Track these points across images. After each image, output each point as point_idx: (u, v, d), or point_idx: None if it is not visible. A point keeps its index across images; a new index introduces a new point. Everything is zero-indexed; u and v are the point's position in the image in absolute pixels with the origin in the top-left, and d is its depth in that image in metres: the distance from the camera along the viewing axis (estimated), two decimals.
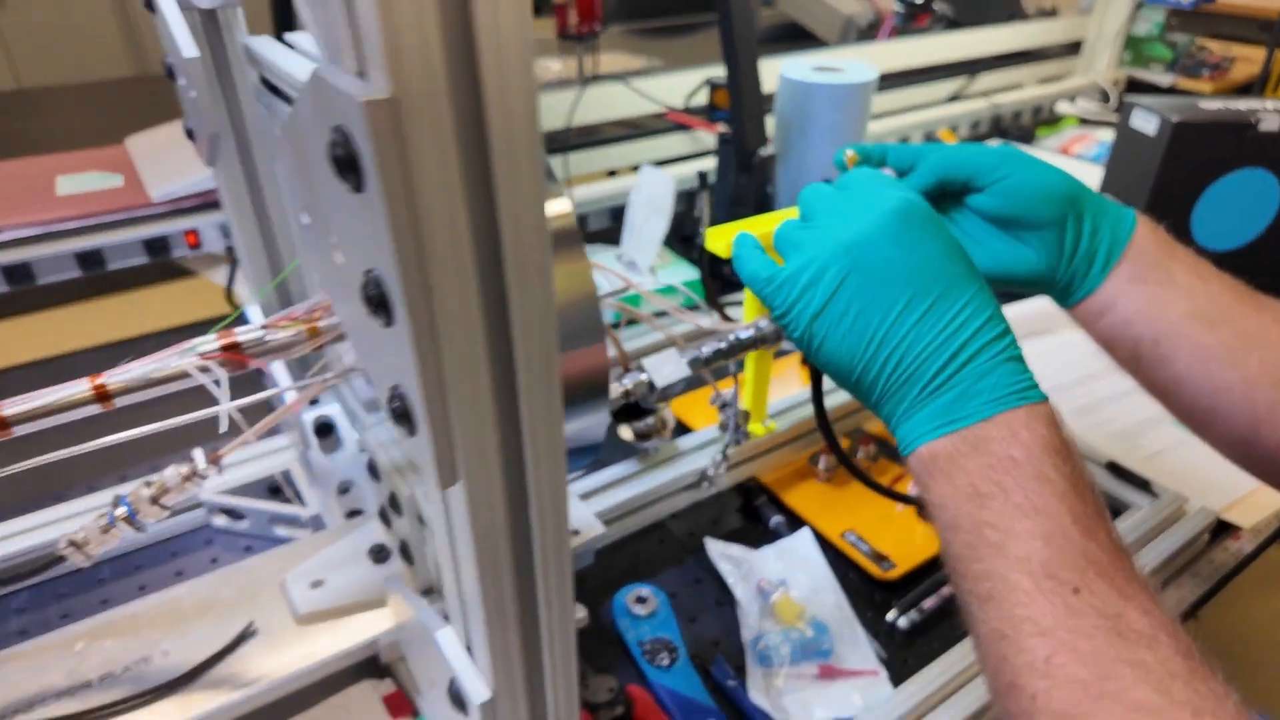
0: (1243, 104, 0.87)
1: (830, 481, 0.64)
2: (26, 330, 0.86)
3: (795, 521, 0.60)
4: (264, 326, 0.37)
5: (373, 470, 0.45)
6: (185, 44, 0.37)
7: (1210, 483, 0.62)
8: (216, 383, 0.33)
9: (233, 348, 0.36)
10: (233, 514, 0.60)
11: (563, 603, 0.27)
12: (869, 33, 1.70)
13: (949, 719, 0.46)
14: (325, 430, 0.52)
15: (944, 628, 0.53)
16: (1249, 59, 1.85)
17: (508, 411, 0.22)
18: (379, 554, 0.46)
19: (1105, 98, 1.64)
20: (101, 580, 0.56)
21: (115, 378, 0.34)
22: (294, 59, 0.36)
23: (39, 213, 0.88)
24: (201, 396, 0.33)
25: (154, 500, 0.38)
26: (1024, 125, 1.56)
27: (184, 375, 0.35)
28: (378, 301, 0.20)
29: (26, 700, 0.39)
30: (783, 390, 0.69)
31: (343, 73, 0.18)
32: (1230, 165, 0.87)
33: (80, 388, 0.34)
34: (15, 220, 0.86)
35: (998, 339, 0.34)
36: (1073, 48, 1.77)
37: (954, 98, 1.52)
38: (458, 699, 0.29)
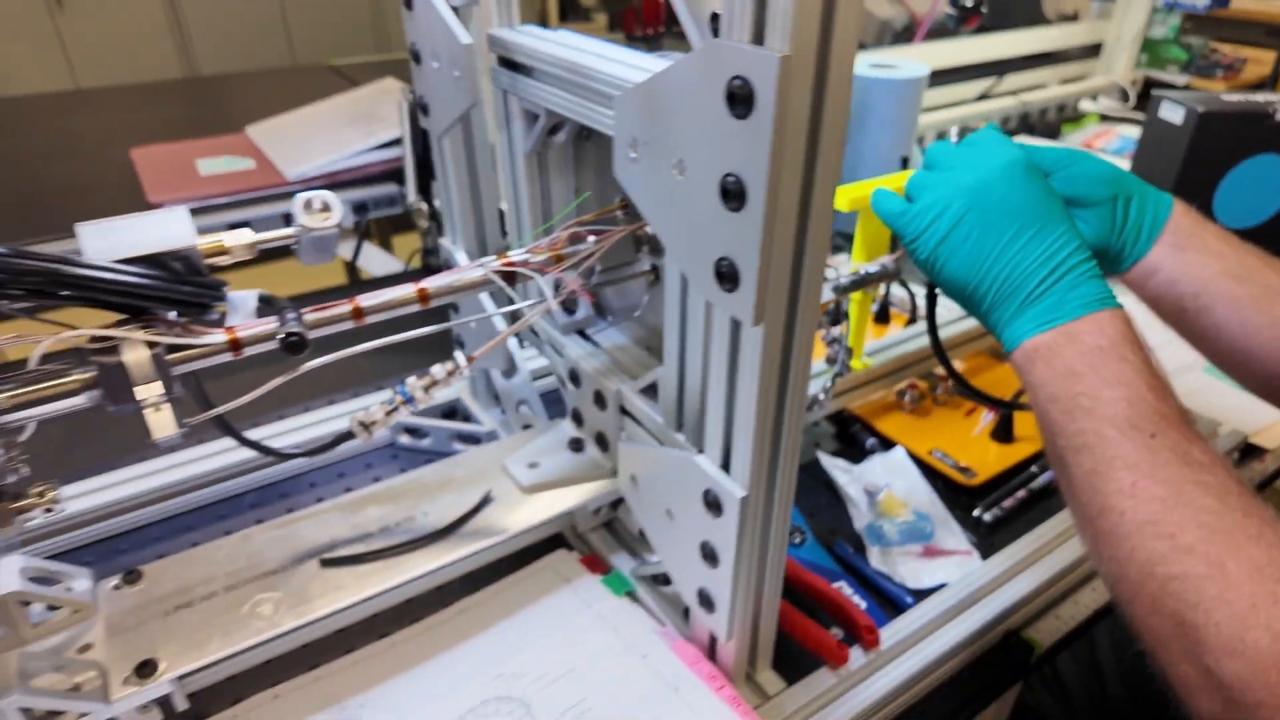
0: (1260, 97, 0.98)
1: (914, 412, 0.75)
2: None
3: (887, 444, 0.71)
4: (527, 252, 0.48)
5: (574, 379, 0.56)
6: (461, 33, 0.49)
7: (1239, 415, 0.73)
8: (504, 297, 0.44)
9: (509, 265, 0.47)
10: (415, 433, 0.71)
11: (797, 422, 0.38)
12: (904, 35, 1.81)
13: (1027, 583, 0.57)
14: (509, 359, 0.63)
15: (1019, 522, 0.64)
16: (1259, 60, 1.96)
17: (794, 278, 0.33)
18: (576, 444, 0.57)
19: (1125, 96, 1.75)
20: (313, 484, 0.67)
21: (433, 283, 0.46)
22: (548, 39, 0.48)
23: (191, 190, 1.00)
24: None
25: (425, 389, 0.49)
26: (1050, 121, 1.67)
27: (483, 283, 0.46)
28: (736, 194, 0.31)
29: (326, 544, 0.50)
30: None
31: (735, 41, 0.29)
32: (1249, 151, 0.98)
33: (407, 290, 0.45)
34: (173, 196, 0.98)
35: (1084, 261, 0.45)
36: (1093, 50, 1.88)
37: (983, 96, 1.63)
38: (714, 504, 0.40)
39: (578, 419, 0.58)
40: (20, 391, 0.35)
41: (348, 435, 0.49)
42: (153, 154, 1.11)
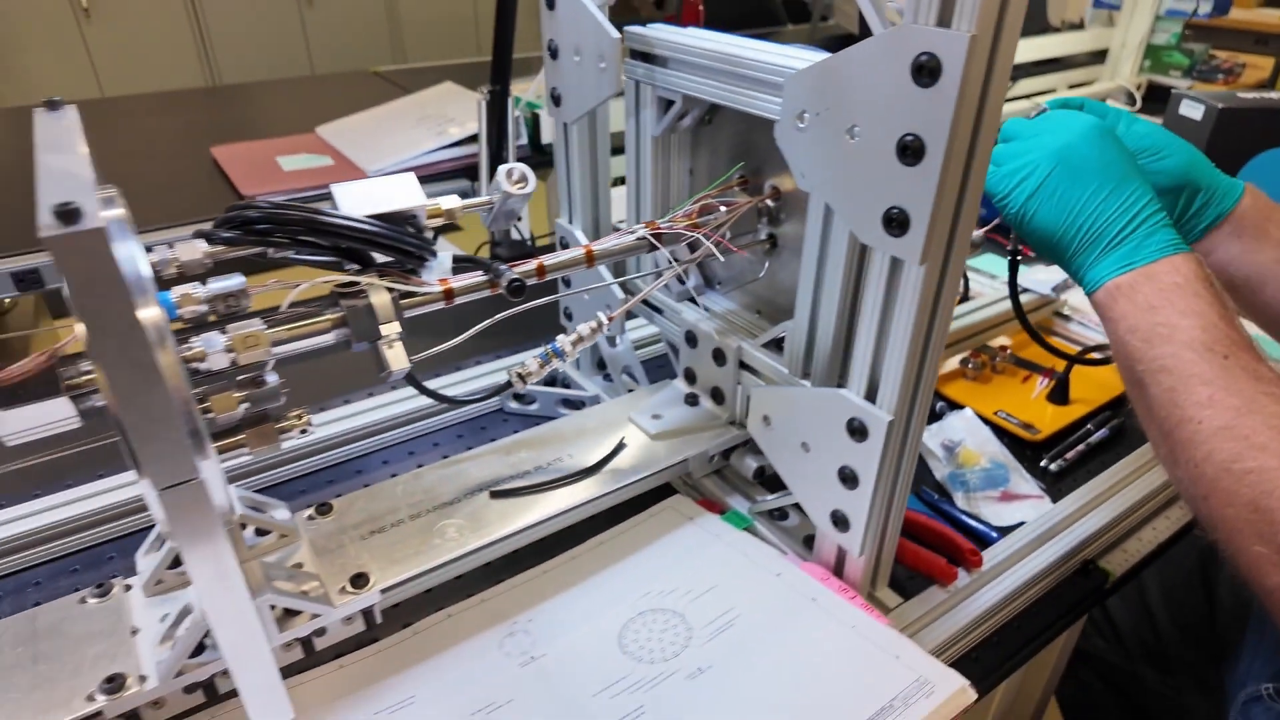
0: (1274, 94, 1.06)
1: (977, 380, 0.81)
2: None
3: (955, 407, 0.78)
4: (671, 220, 0.55)
5: (690, 340, 0.63)
6: (610, 29, 0.55)
7: None
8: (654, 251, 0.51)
9: (656, 232, 0.54)
10: (523, 399, 0.77)
11: (937, 352, 0.44)
12: None
13: (1098, 519, 0.63)
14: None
15: (1080, 472, 0.71)
16: (1256, 66, 2.05)
17: (953, 222, 0.40)
18: (691, 399, 0.64)
19: (1131, 100, 1.83)
20: (436, 444, 0.73)
21: (598, 246, 0.52)
22: (684, 35, 0.54)
23: (279, 183, 1.06)
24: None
25: (573, 344, 0.56)
26: None
27: (641, 246, 0.53)
28: (915, 150, 0.37)
29: (491, 480, 0.56)
30: None
31: (922, 25, 0.36)
32: (1264, 144, 1.06)
33: (578, 253, 0.52)
34: (263, 189, 1.04)
35: (1157, 212, 0.51)
36: (1099, 56, 1.97)
37: None
38: (858, 430, 0.46)
39: (690, 377, 0.65)
40: (290, 327, 0.41)
41: (506, 385, 0.55)
42: (234, 152, 1.17)
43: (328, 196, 1.06)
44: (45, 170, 0.31)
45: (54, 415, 0.36)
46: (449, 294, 0.46)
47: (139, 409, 0.29)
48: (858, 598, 0.51)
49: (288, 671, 0.48)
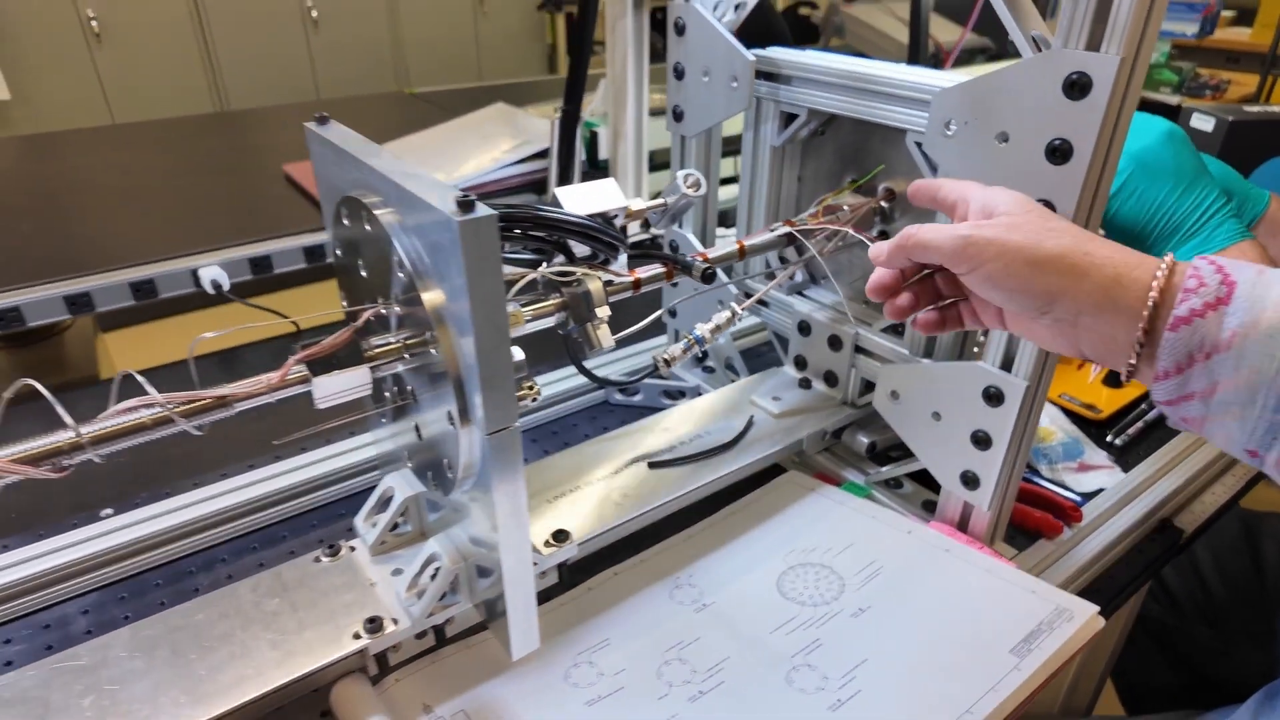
0: (1275, 108, 1.16)
1: None
2: None
3: None
4: (809, 217, 0.62)
5: (804, 329, 0.70)
6: (744, 51, 0.63)
7: None
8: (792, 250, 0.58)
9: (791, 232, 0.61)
10: (627, 391, 0.83)
11: None
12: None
13: (1167, 485, 0.71)
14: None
15: (1142, 446, 0.78)
16: (1240, 82, 2.19)
17: (1089, 212, 0.48)
18: (805, 383, 0.71)
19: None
20: (554, 433, 0.79)
21: (749, 241, 0.59)
22: (811, 57, 0.62)
23: None
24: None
25: (712, 332, 0.62)
26: None
27: (782, 242, 0.60)
28: (1063, 152, 0.44)
29: (644, 454, 0.62)
30: None
31: (1073, 49, 0.43)
32: (1269, 153, 1.16)
33: (732, 247, 0.59)
34: None
35: (1224, 206, 0.59)
36: None
37: None
38: (995, 397, 0.53)
39: (801, 363, 0.72)
40: (534, 308, 0.48)
41: (653, 369, 0.62)
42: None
43: None
44: (385, 170, 0.38)
45: (356, 382, 0.42)
46: (638, 283, 0.53)
47: (491, 363, 0.36)
48: (985, 548, 0.58)
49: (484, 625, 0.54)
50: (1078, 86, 0.43)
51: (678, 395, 0.82)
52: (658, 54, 1.63)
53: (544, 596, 0.56)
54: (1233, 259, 0.50)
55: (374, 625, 0.47)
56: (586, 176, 1.24)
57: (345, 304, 0.50)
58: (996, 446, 0.55)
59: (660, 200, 0.56)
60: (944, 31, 2.15)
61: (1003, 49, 2.07)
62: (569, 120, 1.11)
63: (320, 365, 0.41)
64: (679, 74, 0.70)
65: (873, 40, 2.07)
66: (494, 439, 0.38)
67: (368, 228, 0.41)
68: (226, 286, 0.94)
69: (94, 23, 2.97)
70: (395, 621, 0.47)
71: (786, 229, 0.61)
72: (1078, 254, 0.39)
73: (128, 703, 0.42)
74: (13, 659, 0.55)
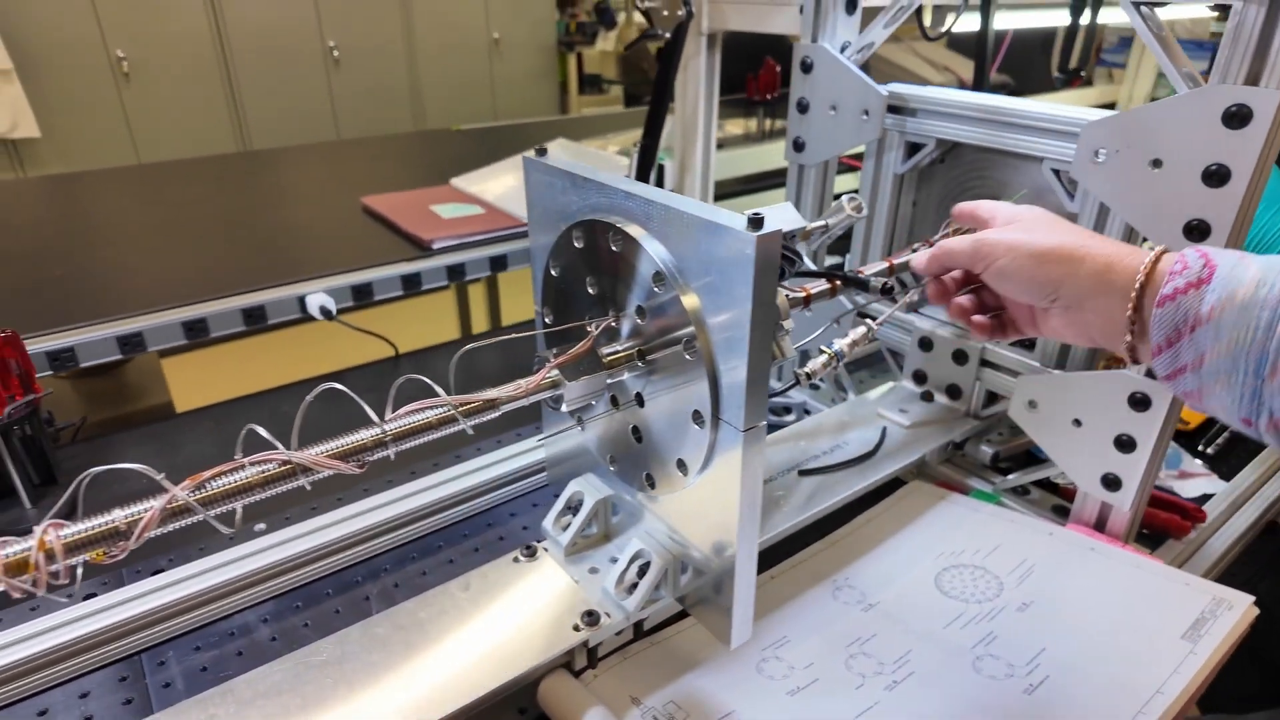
0: None
1: None
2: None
3: None
4: (913, 248, 0.66)
5: (925, 345, 0.74)
6: (877, 86, 0.68)
7: None
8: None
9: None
10: None
11: None
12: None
13: (1271, 493, 0.75)
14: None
15: (1233, 455, 0.83)
16: None
17: (1237, 227, 0.52)
18: (927, 396, 0.75)
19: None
20: None
21: (898, 259, 0.63)
22: (931, 91, 0.67)
23: (447, 230, 1.16)
24: None
25: (850, 346, 0.66)
26: None
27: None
28: (1221, 176, 0.49)
29: (789, 462, 0.66)
30: None
31: (1233, 84, 0.48)
32: None
33: (881, 265, 0.63)
34: (439, 235, 1.14)
35: None
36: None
37: None
38: (1141, 402, 0.57)
39: (920, 378, 0.76)
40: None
41: (795, 381, 0.65)
42: (387, 202, 1.27)
43: (502, 239, 1.15)
44: (650, 195, 0.42)
45: (596, 386, 0.45)
46: (808, 299, 0.57)
47: (759, 364, 0.39)
48: (1128, 546, 0.61)
49: (676, 618, 0.57)
50: (1238, 117, 0.48)
51: (784, 411, 0.86)
52: (597, 84, 1.70)
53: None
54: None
55: (592, 619, 0.49)
56: None
57: (549, 320, 0.54)
58: (1141, 449, 0.58)
59: (822, 221, 0.60)
60: (965, 70, 2.24)
61: (1022, 86, 2.16)
62: (647, 153, 1.16)
63: (568, 371, 0.45)
64: (803, 109, 0.74)
65: (899, 79, 2.16)
66: (748, 435, 0.41)
67: (614, 247, 0.45)
68: (334, 311, 0.98)
69: (124, 63, 3.03)
70: (608, 615, 0.50)
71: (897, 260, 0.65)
72: (1075, 246, 0.45)
73: (375, 692, 0.45)
74: (207, 665, 0.57)
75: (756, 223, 0.37)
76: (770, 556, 0.63)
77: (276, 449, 0.36)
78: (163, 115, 3.15)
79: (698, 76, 1.20)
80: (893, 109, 0.70)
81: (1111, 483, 0.61)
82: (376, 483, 0.72)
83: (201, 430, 0.85)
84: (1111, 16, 1.39)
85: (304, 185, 1.49)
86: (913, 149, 0.71)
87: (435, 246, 1.12)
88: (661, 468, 0.48)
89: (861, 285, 0.57)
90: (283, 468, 0.36)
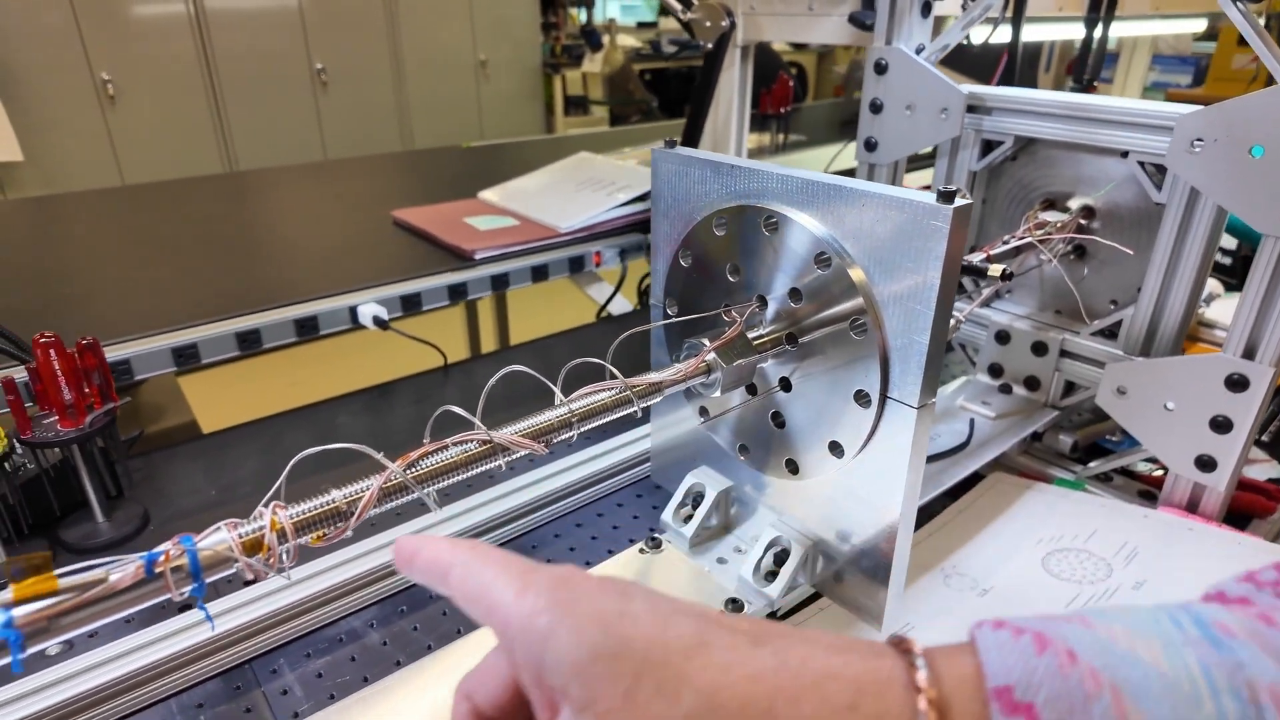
0: None
1: None
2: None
3: None
4: (1004, 240, 0.68)
5: (1002, 338, 0.75)
6: (957, 86, 0.69)
7: None
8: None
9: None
10: None
11: None
12: None
13: None
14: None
15: None
16: None
17: None
18: (1005, 389, 0.76)
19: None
20: None
21: (994, 251, 0.65)
22: (1010, 91, 0.69)
23: (483, 241, 1.16)
24: None
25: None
26: None
27: (1010, 255, 0.66)
28: None
29: None
30: None
31: None
32: None
33: (980, 256, 0.64)
34: (476, 245, 1.13)
35: None
36: None
37: None
38: (1238, 383, 0.59)
39: (996, 371, 0.77)
40: None
41: None
42: (419, 214, 1.27)
43: (538, 250, 1.16)
44: (817, 179, 0.43)
45: (745, 370, 0.46)
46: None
47: (938, 339, 0.40)
48: (1223, 526, 0.63)
49: (805, 604, 0.57)
50: None
51: None
52: (583, 105, 1.72)
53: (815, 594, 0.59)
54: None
55: (736, 606, 0.49)
56: None
57: (673, 311, 0.54)
58: (1238, 430, 0.60)
59: None
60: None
61: None
62: None
63: (722, 354, 0.45)
64: (876, 109, 0.76)
65: None
66: (922, 411, 0.41)
67: (766, 231, 0.45)
68: (386, 320, 0.97)
69: (109, 85, 2.99)
70: (750, 603, 0.50)
71: (1024, 240, 0.66)
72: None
73: None
74: (322, 671, 0.55)
75: (949, 196, 0.37)
76: None
77: (476, 429, 0.36)
78: (148, 138, 3.11)
79: (730, 88, 1.22)
80: (970, 108, 0.72)
81: (1206, 464, 0.62)
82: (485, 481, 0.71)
83: (253, 446, 0.83)
84: (1118, 31, 1.45)
85: (324, 201, 1.48)
86: (987, 147, 0.73)
87: (478, 257, 1.11)
88: (809, 452, 0.48)
89: (979, 273, 0.58)
90: (483, 447, 0.36)
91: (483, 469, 0.36)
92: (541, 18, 4.14)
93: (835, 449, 0.46)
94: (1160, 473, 0.72)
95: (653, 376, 0.43)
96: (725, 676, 0.21)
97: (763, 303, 0.47)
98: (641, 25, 5.21)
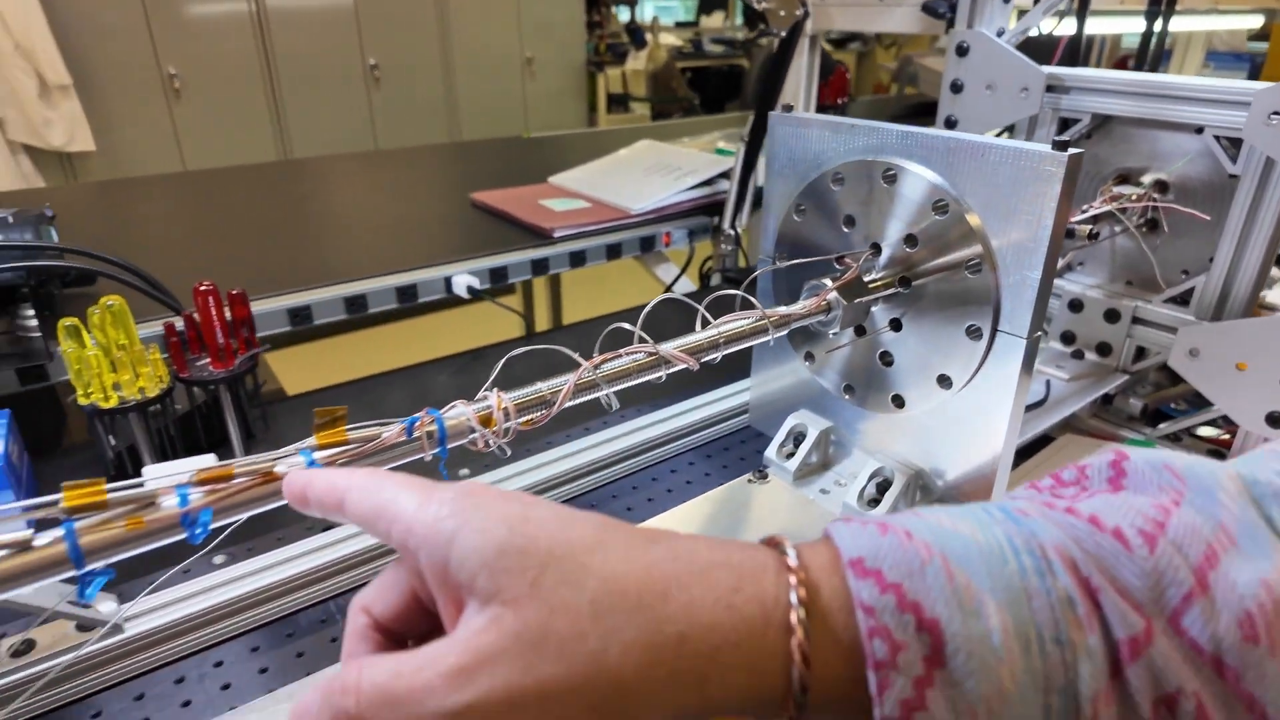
0: None
1: None
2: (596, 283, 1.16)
3: None
4: (1083, 210, 0.72)
5: (1075, 306, 0.79)
6: (1037, 66, 0.74)
7: None
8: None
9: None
10: None
11: None
12: None
13: None
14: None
15: None
16: None
17: None
18: (1078, 354, 0.80)
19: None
20: None
21: (1074, 220, 0.69)
22: (1087, 71, 0.73)
23: (560, 220, 1.22)
24: None
25: None
26: None
27: (1088, 223, 0.70)
28: None
29: None
30: None
31: None
32: None
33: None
34: (556, 224, 1.19)
35: None
36: None
37: None
38: None
39: (1068, 338, 0.81)
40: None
41: None
42: (496, 197, 1.33)
43: (613, 229, 1.21)
44: (933, 132, 0.48)
45: (860, 309, 0.51)
46: None
47: (1048, 275, 0.45)
48: None
49: None
50: None
51: None
52: (624, 102, 1.77)
53: None
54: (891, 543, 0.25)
55: None
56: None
57: (776, 259, 0.59)
58: None
59: None
60: None
61: None
62: (753, 148, 1.23)
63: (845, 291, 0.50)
64: (956, 89, 0.81)
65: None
66: (1030, 343, 0.46)
67: (884, 183, 0.50)
68: (479, 288, 1.03)
69: (175, 80, 3.11)
70: None
71: (1103, 208, 0.71)
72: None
73: None
74: (335, 637, 0.57)
75: (1062, 145, 0.42)
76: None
77: (646, 343, 0.41)
78: (210, 129, 3.23)
79: (798, 77, 1.27)
80: (1049, 88, 0.76)
81: (1277, 420, 0.66)
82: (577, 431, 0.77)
83: (359, 402, 0.89)
84: (1175, 25, 1.47)
85: (403, 185, 1.55)
86: (1063, 125, 0.77)
87: (556, 235, 1.17)
88: (916, 386, 0.53)
89: (1068, 234, 0.63)
90: (650, 358, 0.42)
91: (649, 378, 0.42)
92: (585, 16, 4.22)
93: (944, 381, 0.51)
94: (1227, 436, 0.76)
95: (782, 310, 0.48)
96: (625, 566, 0.23)
97: (876, 250, 0.52)
98: (680, 25, 5.27)
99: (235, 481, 0.30)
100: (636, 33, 3.57)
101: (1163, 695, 0.22)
